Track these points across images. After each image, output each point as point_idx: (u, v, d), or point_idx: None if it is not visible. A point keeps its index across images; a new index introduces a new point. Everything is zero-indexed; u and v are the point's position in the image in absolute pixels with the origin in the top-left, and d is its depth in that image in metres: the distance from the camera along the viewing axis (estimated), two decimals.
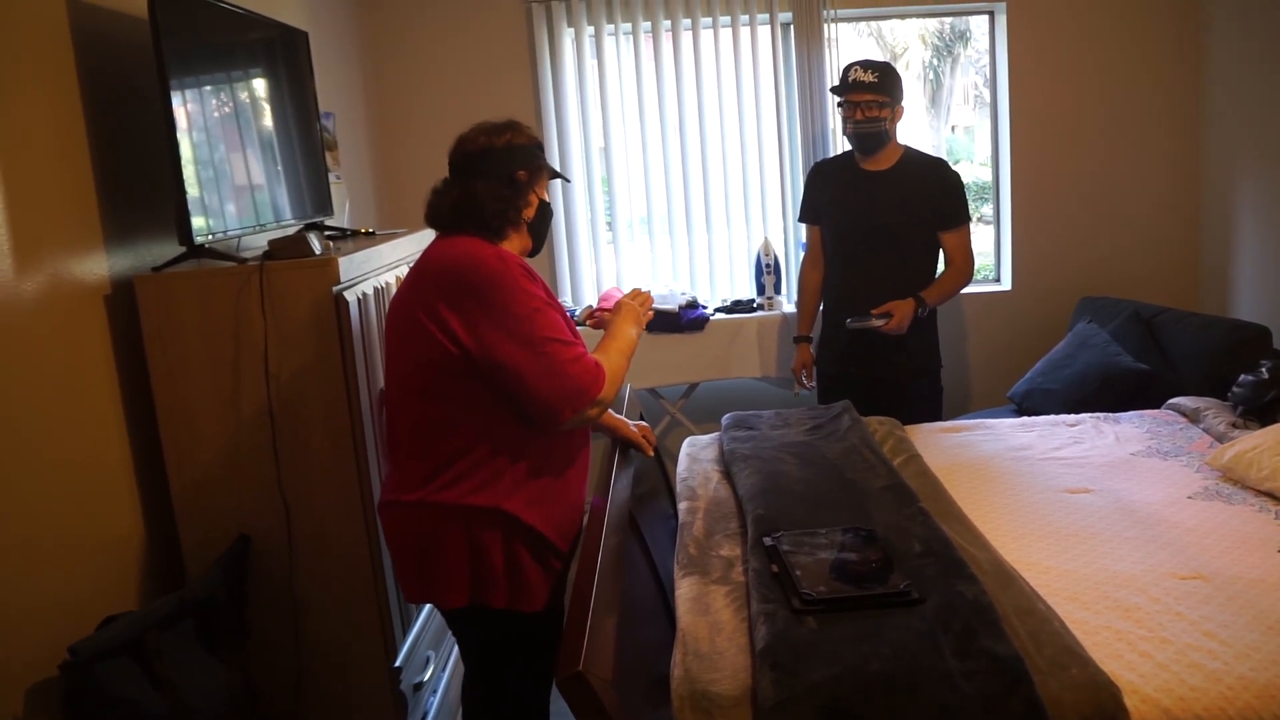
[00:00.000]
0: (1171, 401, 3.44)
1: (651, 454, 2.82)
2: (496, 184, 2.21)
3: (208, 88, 2.56)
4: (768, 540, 2.24)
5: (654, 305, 4.28)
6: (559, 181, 2.41)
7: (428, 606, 2.87)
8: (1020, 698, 1.68)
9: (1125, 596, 2.09)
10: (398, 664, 2.56)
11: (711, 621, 2.02)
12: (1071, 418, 3.40)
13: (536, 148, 2.31)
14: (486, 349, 2.05)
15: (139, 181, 2.48)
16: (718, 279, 4.84)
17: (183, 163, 2.29)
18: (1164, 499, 2.63)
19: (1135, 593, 2.11)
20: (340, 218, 3.55)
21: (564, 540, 2.24)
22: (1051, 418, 3.45)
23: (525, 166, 2.25)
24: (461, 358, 2.07)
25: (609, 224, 4.86)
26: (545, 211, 2.34)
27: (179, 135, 2.29)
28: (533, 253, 2.36)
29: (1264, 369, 3.12)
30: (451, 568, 2.14)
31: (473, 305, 2.06)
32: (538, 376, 2.05)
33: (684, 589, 2.18)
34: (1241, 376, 3.20)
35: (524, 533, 2.15)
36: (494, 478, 2.13)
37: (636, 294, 2.47)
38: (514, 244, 2.27)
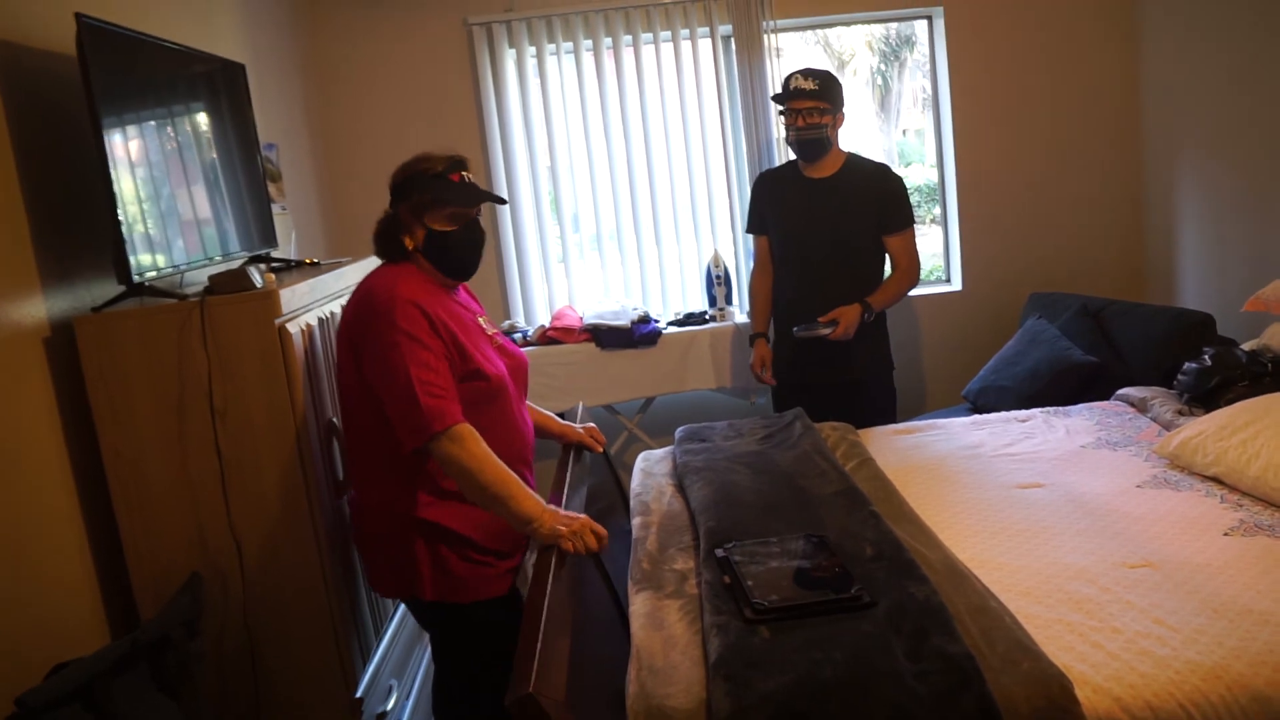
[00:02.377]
0: (1120, 392, 3.48)
1: (600, 450, 2.90)
2: (384, 216, 2.39)
3: (143, 123, 2.53)
4: (719, 552, 2.25)
5: (607, 322, 4.32)
6: (502, 204, 2.47)
7: (388, 635, 2.86)
8: (973, 695, 1.69)
9: (1076, 588, 2.12)
10: (359, 694, 2.54)
11: (665, 636, 2.02)
12: (1023, 413, 3.44)
13: (426, 177, 2.34)
14: (366, 372, 2.26)
15: (76, 220, 2.46)
16: (669, 292, 4.86)
17: (119, 200, 2.27)
18: (1113, 489, 2.66)
19: (1086, 584, 2.13)
20: (286, 249, 3.53)
21: (493, 539, 2.38)
22: (1003, 415, 3.48)
23: (407, 199, 2.35)
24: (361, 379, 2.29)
25: (560, 240, 4.86)
26: (440, 239, 2.36)
27: (114, 172, 2.26)
28: (454, 278, 2.44)
29: (1207, 356, 3.17)
30: (385, 563, 2.42)
31: (360, 332, 2.27)
32: (392, 403, 2.20)
33: (638, 604, 2.18)
34: (1186, 364, 3.24)
35: (443, 534, 2.33)
36: (412, 483, 2.32)
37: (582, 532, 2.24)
38: (429, 270, 2.40)
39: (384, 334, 2.21)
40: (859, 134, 7.74)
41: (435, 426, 2.16)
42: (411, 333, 2.20)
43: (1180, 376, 3.24)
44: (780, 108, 3.73)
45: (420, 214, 2.35)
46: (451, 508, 2.33)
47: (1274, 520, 2.37)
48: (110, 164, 2.26)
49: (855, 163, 3.74)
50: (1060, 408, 3.44)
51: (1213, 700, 1.74)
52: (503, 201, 2.51)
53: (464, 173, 2.39)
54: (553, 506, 2.26)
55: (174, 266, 2.51)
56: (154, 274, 2.39)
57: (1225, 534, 2.33)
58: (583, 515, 2.27)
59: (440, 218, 2.35)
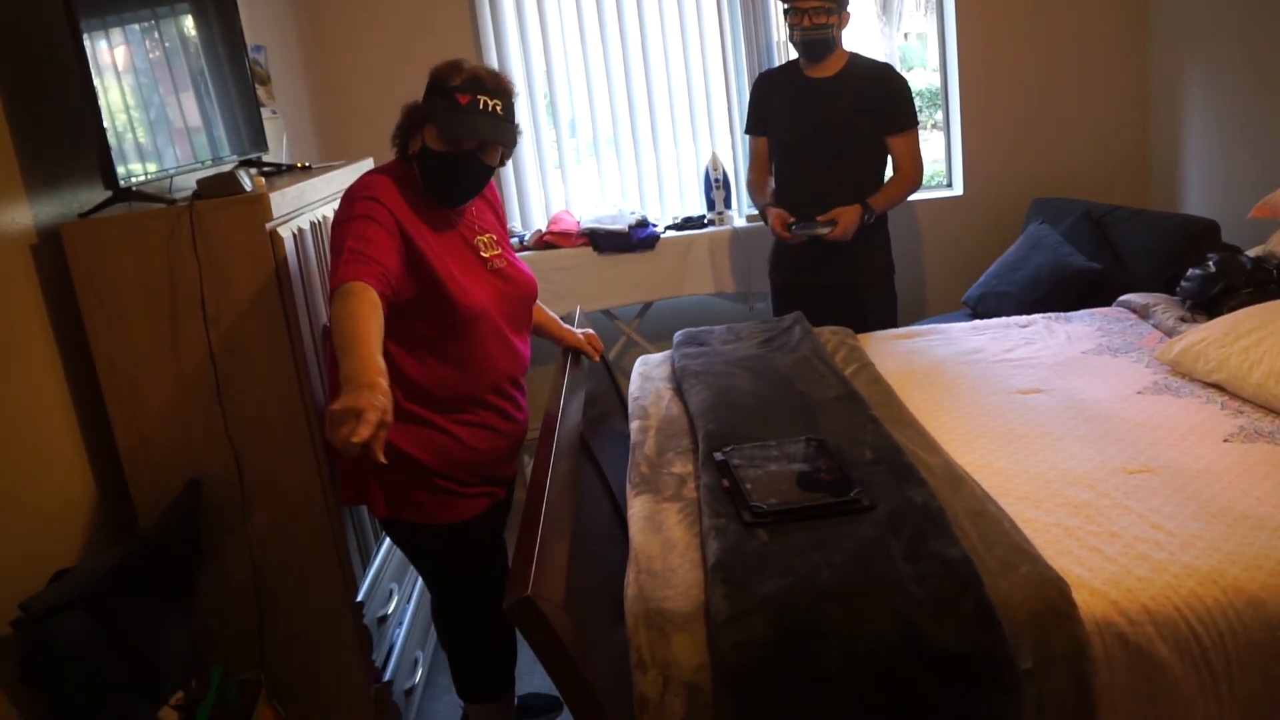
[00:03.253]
0: (1122, 299, 3.45)
1: (597, 359, 2.86)
2: (405, 111, 2.26)
3: (125, 25, 2.46)
4: (718, 455, 2.24)
5: (605, 226, 4.27)
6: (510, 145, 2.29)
7: (387, 540, 2.87)
8: (970, 599, 1.69)
9: (1075, 493, 2.11)
10: (359, 599, 2.56)
11: (664, 539, 2.02)
12: (1023, 319, 3.42)
13: (437, 89, 2.19)
14: None
15: (60, 126, 2.40)
16: (667, 196, 4.79)
17: (102, 103, 2.22)
18: (1114, 395, 2.65)
19: (1085, 489, 2.13)
20: (277, 153, 3.46)
21: (450, 466, 2.29)
22: (1004, 320, 3.46)
23: (426, 100, 2.22)
24: None
25: (556, 145, 4.79)
26: (428, 156, 2.22)
27: (96, 75, 2.20)
28: (437, 200, 2.28)
29: (1211, 262, 3.13)
30: (343, 471, 2.37)
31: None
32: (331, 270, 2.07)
33: (636, 508, 2.18)
34: (1189, 270, 3.21)
35: (398, 456, 2.21)
36: None
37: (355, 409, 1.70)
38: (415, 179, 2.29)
39: (341, 212, 2.15)
40: (860, 38, 7.53)
41: (333, 282, 1.98)
42: (364, 211, 2.10)
43: (1184, 283, 3.21)
44: (785, 6, 3.63)
45: (420, 124, 2.23)
46: (407, 430, 2.23)
47: (1274, 427, 2.36)
48: (92, 64, 2.20)
49: (858, 62, 3.66)
50: (1061, 314, 3.42)
51: (1208, 604, 1.75)
52: (508, 144, 2.27)
53: (483, 98, 2.16)
54: (374, 383, 1.73)
55: (162, 171, 2.46)
56: (141, 179, 2.35)
57: (1225, 440, 2.32)
58: (381, 401, 1.70)
59: (434, 135, 2.19)
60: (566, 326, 2.83)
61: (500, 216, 2.53)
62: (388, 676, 2.68)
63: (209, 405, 2.37)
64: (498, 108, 2.18)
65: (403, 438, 2.22)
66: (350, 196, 2.18)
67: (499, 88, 2.20)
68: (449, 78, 2.17)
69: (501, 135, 2.21)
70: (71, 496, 2.29)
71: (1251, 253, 3.20)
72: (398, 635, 2.86)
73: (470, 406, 2.30)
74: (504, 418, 2.37)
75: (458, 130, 2.16)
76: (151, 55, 2.55)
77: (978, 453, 2.37)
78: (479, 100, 2.15)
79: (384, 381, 1.74)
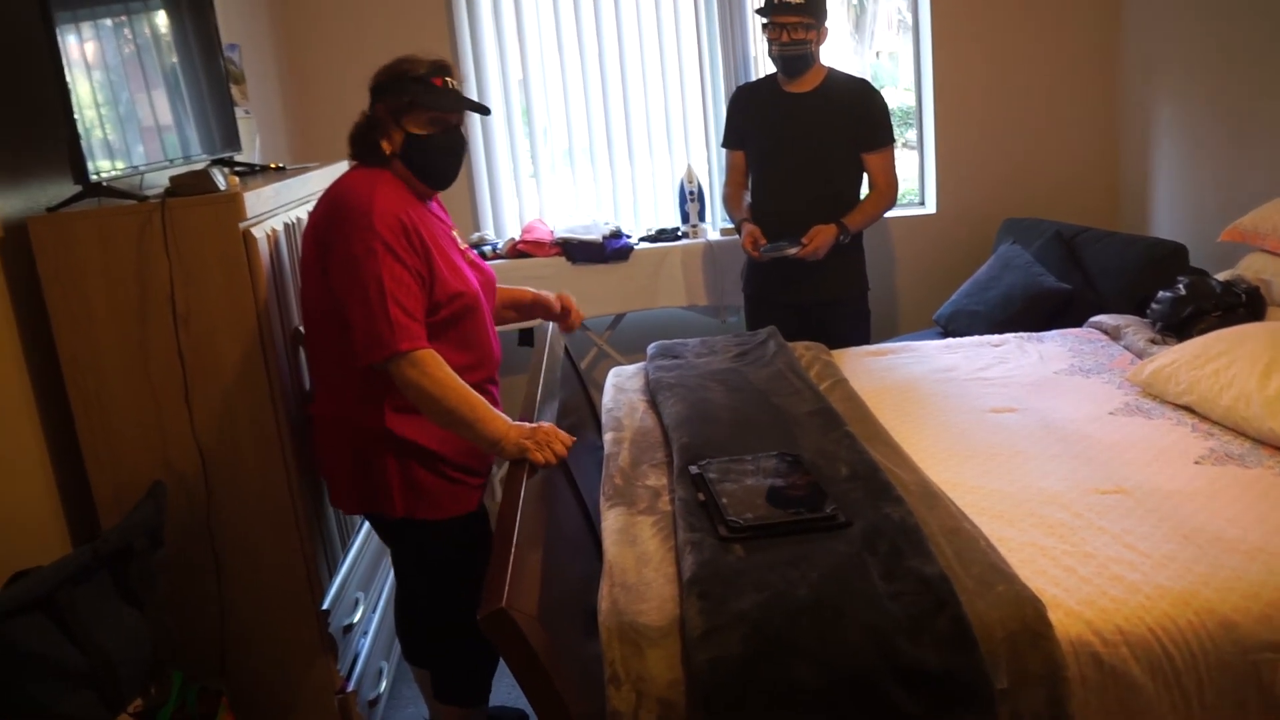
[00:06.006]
0: (1093, 320, 3.47)
1: (579, 323, 2.87)
2: (362, 117, 2.31)
3: (98, 19, 2.42)
4: (694, 469, 2.23)
5: (578, 236, 4.26)
6: (485, 113, 2.38)
7: (355, 547, 2.84)
8: (947, 616, 1.69)
9: (1049, 513, 2.12)
10: (325, 606, 2.52)
11: (638, 552, 2.00)
12: (996, 338, 3.43)
13: (407, 79, 2.26)
14: (332, 276, 2.18)
15: (27, 119, 2.35)
16: (641, 208, 4.78)
17: (73, 97, 2.17)
18: (1086, 415, 2.66)
19: (1059, 508, 2.13)
20: (250, 153, 3.42)
21: (463, 455, 2.34)
22: (976, 338, 3.47)
23: (381, 100, 2.28)
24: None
25: (530, 155, 4.77)
26: (419, 143, 2.28)
27: (67, 69, 2.16)
28: (431, 185, 2.37)
29: (1181, 285, 3.16)
30: (346, 479, 2.37)
31: (330, 233, 2.19)
32: (356, 311, 2.14)
33: (610, 520, 2.16)
34: (1159, 293, 3.23)
35: (413, 449, 2.29)
36: (380, 396, 2.25)
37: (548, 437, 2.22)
38: (407, 178, 2.32)
39: (359, 238, 2.13)
40: (832, 56, 7.60)
41: (400, 345, 2.10)
42: (389, 242, 2.13)
43: (1154, 305, 3.24)
44: (764, 21, 3.63)
45: (399, 117, 2.26)
46: (420, 422, 2.27)
47: (1244, 450, 2.38)
48: (64, 58, 2.15)
49: (836, 78, 3.67)
50: (1033, 333, 3.44)
51: (1181, 625, 1.75)
52: (485, 111, 2.41)
53: (448, 78, 2.31)
54: (516, 421, 2.22)
55: (131, 168, 2.41)
56: (111, 175, 2.30)
57: (1196, 462, 2.34)
58: (546, 423, 2.24)
59: (419, 122, 2.27)
60: (537, 291, 2.83)
61: (447, 215, 2.55)
62: (352, 686, 2.64)
63: (176, 406, 2.33)
64: (458, 86, 2.35)
65: (416, 429, 2.27)
66: (357, 215, 2.16)
67: (453, 70, 2.36)
68: (413, 69, 2.27)
69: (477, 106, 2.37)
70: (32, 496, 2.24)
71: (1220, 276, 3.23)
72: (363, 645, 2.82)
73: (470, 373, 2.31)
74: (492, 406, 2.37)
75: (451, 106, 2.29)
76: (124, 50, 2.51)
77: (952, 470, 2.37)
78: (447, 81, 2.31)
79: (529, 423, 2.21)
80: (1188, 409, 2.64)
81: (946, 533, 1.96)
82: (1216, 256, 3.75)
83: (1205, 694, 1.74)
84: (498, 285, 2.59)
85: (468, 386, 2.17)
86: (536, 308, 2.81)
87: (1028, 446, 2.47)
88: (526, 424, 2.22)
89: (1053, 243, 4.13)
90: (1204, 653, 1.74)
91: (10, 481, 2.16)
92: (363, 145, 2.30)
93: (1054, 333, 3.43)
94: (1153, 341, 3.10)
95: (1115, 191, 4.87)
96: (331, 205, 2.23)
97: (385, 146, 2.28)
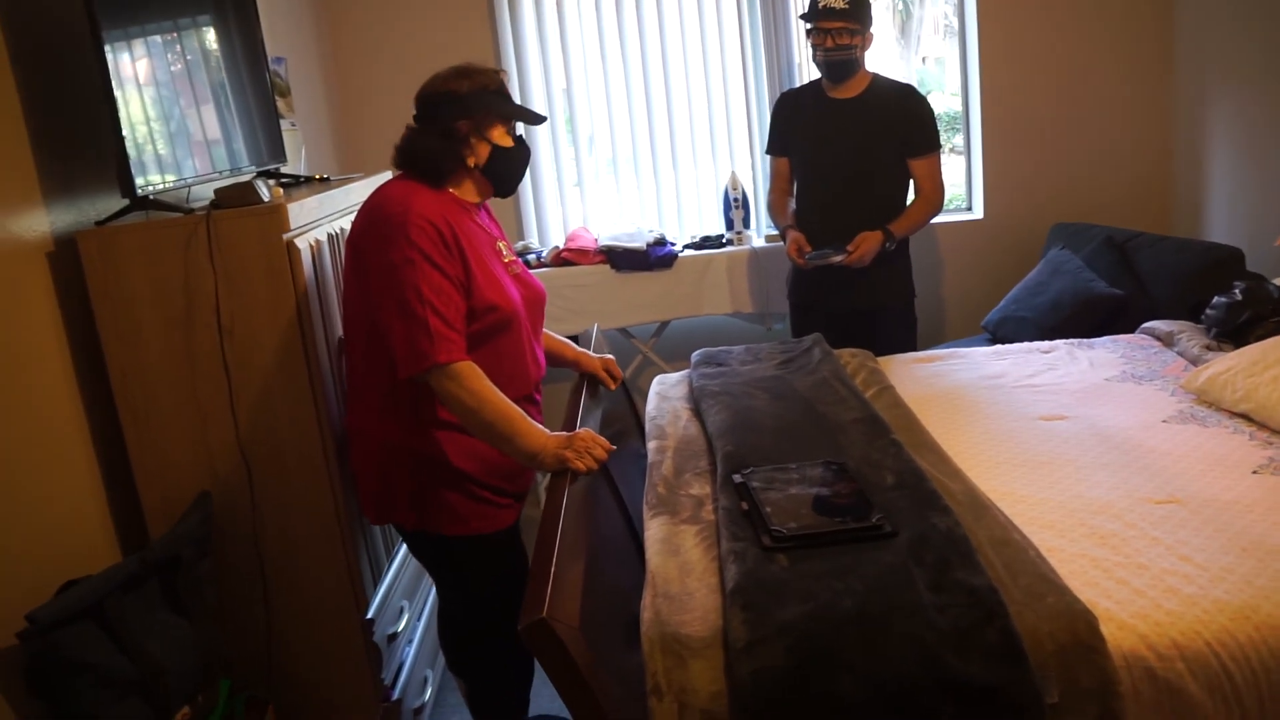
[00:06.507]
0: (1146, 325, 3.41)
1: (614, 387, 2.82)
2: (432, 133, 2.27)
3: (147, 35, 2.45)
4: (737, 477, 2.21)
5: (623, 244, 4.25)
6: (542, 121, 2.41)
7: (399, 556, 2.84)
8: (996, 629, 1.65)
9: (1101, 523, 2.07)
10: (370, 615, 2.53)
11: (681, 562, 1.98)
12: (1045, 345, 3.37)
13: (488, 93, 2.27)
14: (370, 285, 2.18)
15: (78, 134, 2.39)
16: (685, 215, 4.77)
17: (122, 114, 2.20)
18: (1139, 423, 2.61)
19: (1111, 519, 2.08)
20: (295, 165, 3.45)
21: (491, 474, 2.32)
22: (1025, 345, 3.42)
23: (466, 116, 2.26)
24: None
25: (575, 163, 4.77)
26: (504, 155, 2.32)
27: (117, 86, 2.19)
28: (499, 193, 2.40)
29: (1237, 290, 3.09)
30: (369, 490, 2.37)
31: (368, 242, 2.20)
32: (394, 322, 2.13)
33: (653, 529, 2.14)
34: (1215, 299, 3.17)
35: (429, 463, 2.28)
36: (401, 410, 2.25)
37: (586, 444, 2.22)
38: (468, 189, 2.34)
39: (395, 247, 2.12)
40: (878, 61, 7.54)
41: (439, 358, 2.09)
42: (426, 251, 2.12)
43: (1209, 311, 3.17)
44: (808, 27, 3.61)
45: (485, 130, 2.28)
46: (449, 439, 2.26)
47: None
48: (113, 75, 2.19)
49: (881, 83, 3.63)
50: (1084, 340, 3.38)
51: (1240, 640, 1.70)
52: (542, 119, 2.43)
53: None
54: (555, 433, 2.21)
55: (180, 181, 2.44)
56: (159, 188, 2.33)
57: (1254, 472, 2.28)
58: (583, 429, 2.23)
59: (501, 133, 2.31)
60: (580, 349, 2.79)
61: (498, 224, 2.55)
62: (396, 695, 2.64)
63: (222, 417, 2.35)
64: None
65: (447, 447, 2.26)
66: (394, 224, 2.14)
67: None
68: (490, 81, 2.30)
69: (537, 114, 2.42)
70: (82, 507, 2.27)
71: (1277, 281, 3.16)
72: (408, 653, 2.82)
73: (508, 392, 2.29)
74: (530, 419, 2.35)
75: (534, 119, 2.38)
76: (173, 67, 2.54)
77: (1000, 479, 2.33)
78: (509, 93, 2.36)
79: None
80: (1245, 417, 2.58)
81: (995, 543, 1.92)
82: (1274, 261, 3.67)
83: (1267, 713, 1.69)
84: (546, 332, 2.60)
85: (507, 400, 2.16)
86: (577, 367, 2.79)
87: (1078, 455, 2.43)
88: (564, 434, 2.21)
89: (1103, 248, 4.07)
90: (1265, 670, 1.68)
91: (61, 492, 2.19)
92: (426, 160, 2.27)
93: (1105, 339, 3.37)
94: (1207, 348, 3.04)
95: (1168, 195, 4.78)
96: (369, 215, 2.23)
97: (470, 160, 2.29)
